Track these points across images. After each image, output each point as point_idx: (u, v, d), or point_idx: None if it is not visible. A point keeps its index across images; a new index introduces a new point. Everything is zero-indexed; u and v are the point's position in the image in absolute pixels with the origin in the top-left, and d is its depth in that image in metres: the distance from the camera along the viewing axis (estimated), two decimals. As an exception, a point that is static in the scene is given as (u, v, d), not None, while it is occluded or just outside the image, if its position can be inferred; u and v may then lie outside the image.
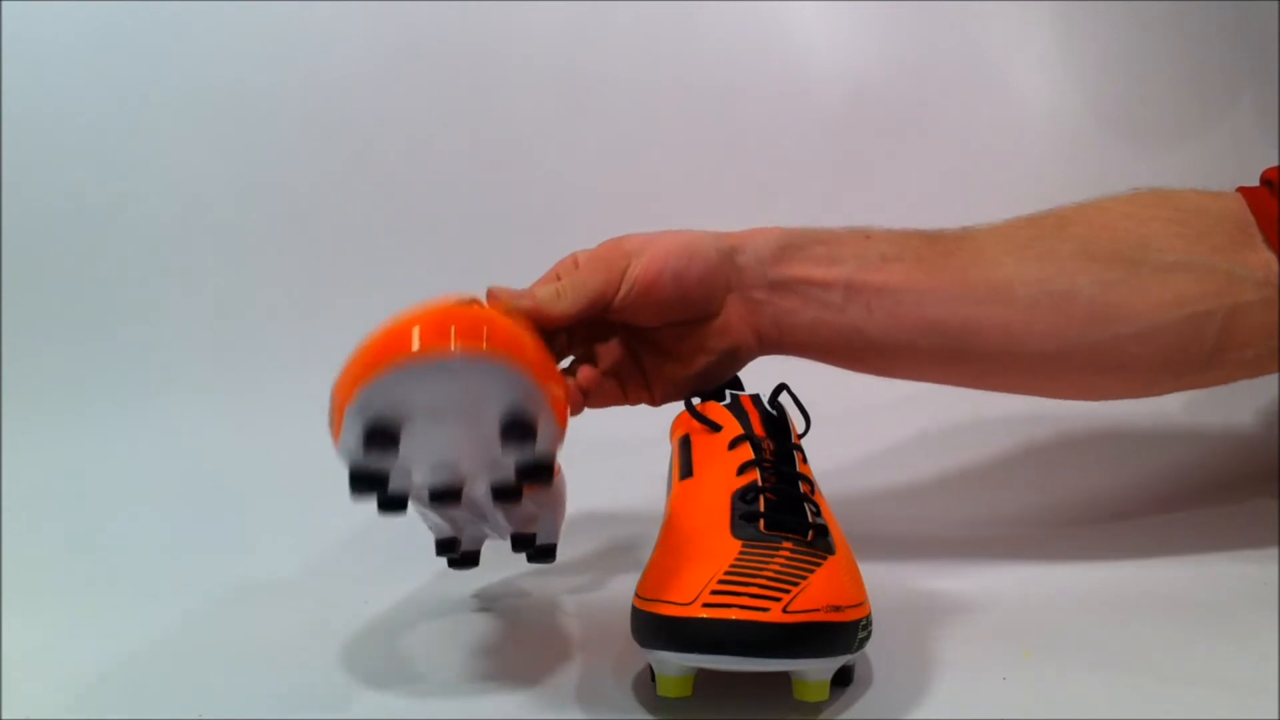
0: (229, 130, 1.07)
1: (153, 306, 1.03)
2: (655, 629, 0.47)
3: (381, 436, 0.42)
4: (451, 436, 0.44)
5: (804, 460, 0.59)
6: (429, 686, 0.51)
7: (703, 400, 0.61)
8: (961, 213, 1.05)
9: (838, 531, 0.55)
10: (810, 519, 0.52)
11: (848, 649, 0.48)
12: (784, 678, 0.48)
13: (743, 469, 0.55)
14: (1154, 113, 1.09)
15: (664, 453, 0.62)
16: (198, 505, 0.87)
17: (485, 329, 0.43)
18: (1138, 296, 0.63)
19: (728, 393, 0.61)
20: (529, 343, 0.45)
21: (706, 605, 0.46)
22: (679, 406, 0.62)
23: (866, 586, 0.52)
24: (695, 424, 0.59)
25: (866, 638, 0.50)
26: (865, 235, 0.63)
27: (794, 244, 0.63)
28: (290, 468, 0.91)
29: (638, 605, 0.49)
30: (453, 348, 0.41)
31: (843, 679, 0.51)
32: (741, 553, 0.49)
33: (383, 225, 1.07)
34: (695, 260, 0.62)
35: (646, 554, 0.53)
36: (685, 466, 0.58)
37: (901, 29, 1.11)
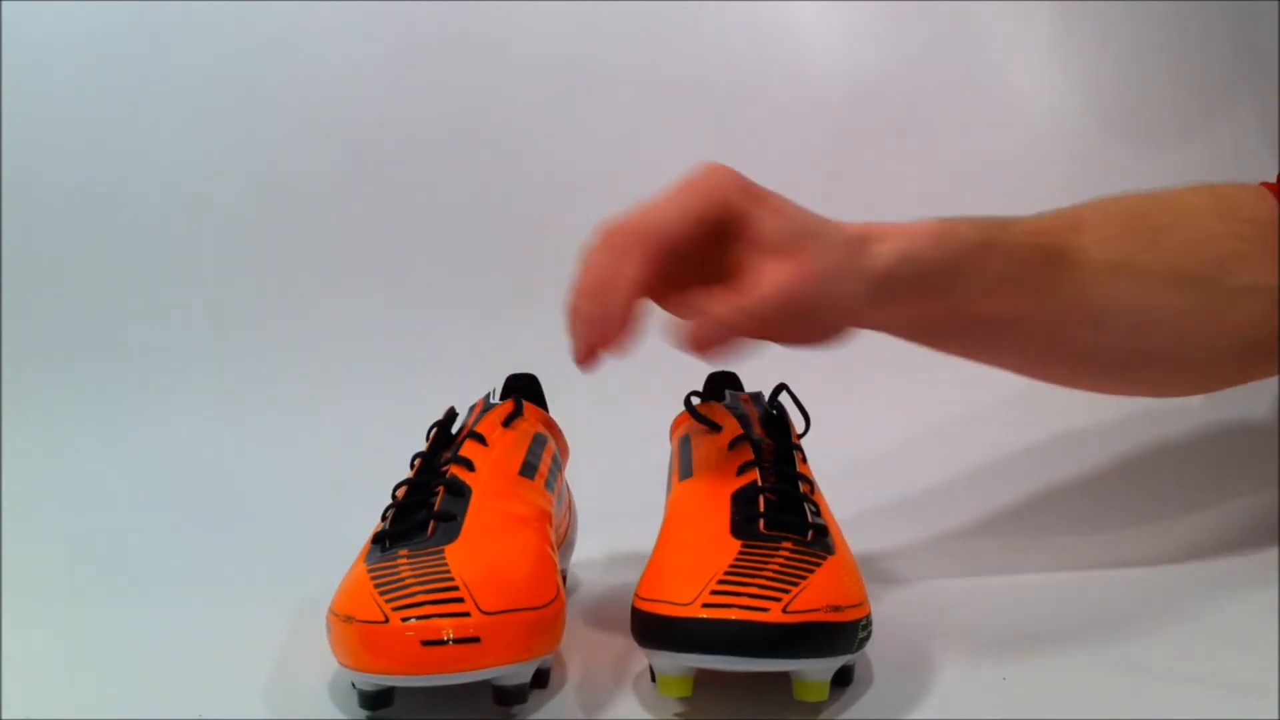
0: (230, 130, 1.07)
1: (153, 307, 1.03)
2: (655, 629, 0.47)
3: (378, 698, 0.48)
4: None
5: (804, 460, 0.59)
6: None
7: (703, 400, 0.61)
8: (961, 214, 1.05)
9: (837, 532, 0.55)
10: (810, 519, 0.52)
11: (848, 649, 0.48)
12: (784, 678, 0.48)
13: (742, 469, 0.55)
14: (1154, 113, 1.09)
15: (664, 452, 0.62)
16: (198, 505, 0.87)
17: (474, 657, 0.46)
18: (1211, 323, 0.64)
19: (727, 392, 0.61)
20: (520, 625, 0.48)
21: (706, 605, 0.46)
22: (679, 406, 0.62)
23: (866, 586, 0.52)
24: (695, 424, 0.59)
25: (866, 638, 0.50)
26: (987, 243, 0.57)
27: (938, 275, 0.56)
28: (291, 468, 0.92)
29: (638, 605, 0.49)
30: (445, 673, 0.46)
31: (843, 679, 0.51)
32: (741, 553, 0.49)
33: (385, 225, 1.07)
34: (830, 307, 0.54)
35: (646, 554, 0.53)
36: (685, 466, 0.58)
37: (901, 29, 1.11)
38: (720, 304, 0.50)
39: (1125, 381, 0.70)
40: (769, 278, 0.50)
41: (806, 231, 0.52)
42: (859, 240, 0.53)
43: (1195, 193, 0.67)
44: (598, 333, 0.51)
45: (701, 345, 0.50)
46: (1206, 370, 0.68)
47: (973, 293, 0.57)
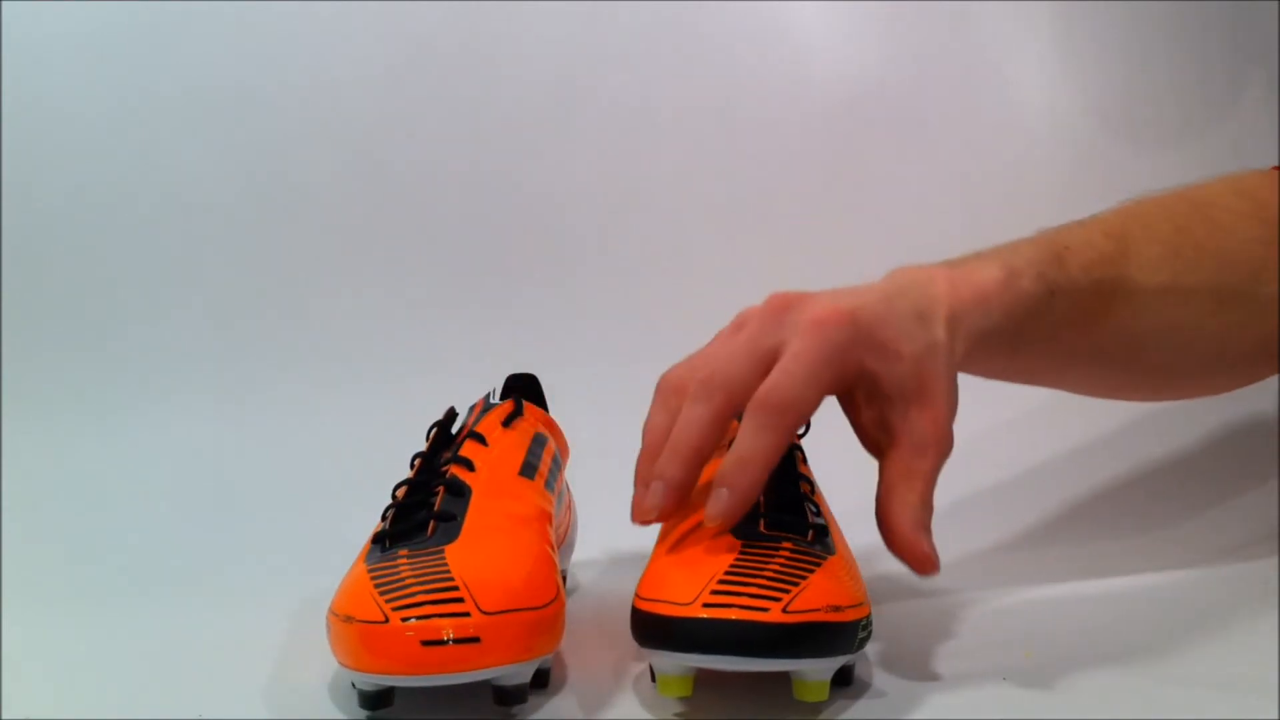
0: (231, 131, 1.07)
1: (153, 308, 1.03)
2: (655, 629, 0.47)
3: (378, 698, 0.48)
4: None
5: (804, 460, 0.59)
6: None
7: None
8: (962, 214, 1.06)
9: (837, 532, 0.55)
10: (810, 519, 0.52)
11: (847, 649, 0.48)
12: (784, 678, 0.48)
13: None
14: (1154, 113, 1.09)
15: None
16: (198, 505, 0.87)
17: (474, 657, 0.46)
18: (1248, 331, 0.64)
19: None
20: (520, 625, 0.47)
21: (706, 605, 0.46)
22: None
23: (867, 587, 0.52)
24: (695, 424, 0.59)
25: (866, 638, 0.50)
26: (1051, 291, 0.56)
27: (1007, 342, 0.56)
28: (291, 468, 0.92)
29: (638, 605, 0.49)
30: (445, 673, 0.46)
31: (843, 679, 0.51)
32: (742, 552, 0.49)
33: (386, 225, 1.07)
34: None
35: (646, 554, 0.53)
36: (685, 466, 0.58)
37: (901, 30, 1.11)
38: (910, 495, 0.51)
39: (1160, 392, 0.70)
40: (926, 432, 0.51)
41: (924, 361, 0.52)
42: (948, 328, 0.53)
43: (1227, 192, 0.66)
44: (681, 499, 0.51)
45: (918, 548, 0.51)
46: (1241, 373, 0.68)
47: (1034, 345, 0.57)
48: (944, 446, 0.52)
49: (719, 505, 0.49)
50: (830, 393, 0.51)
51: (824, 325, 0.50)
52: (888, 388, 0.52)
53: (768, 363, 0.51)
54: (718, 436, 0.52)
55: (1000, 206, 1.05)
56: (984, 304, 0.54)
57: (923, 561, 0.51)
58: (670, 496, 0.51)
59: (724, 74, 1.10)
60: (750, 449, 0.49)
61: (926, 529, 0.51)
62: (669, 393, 0.54)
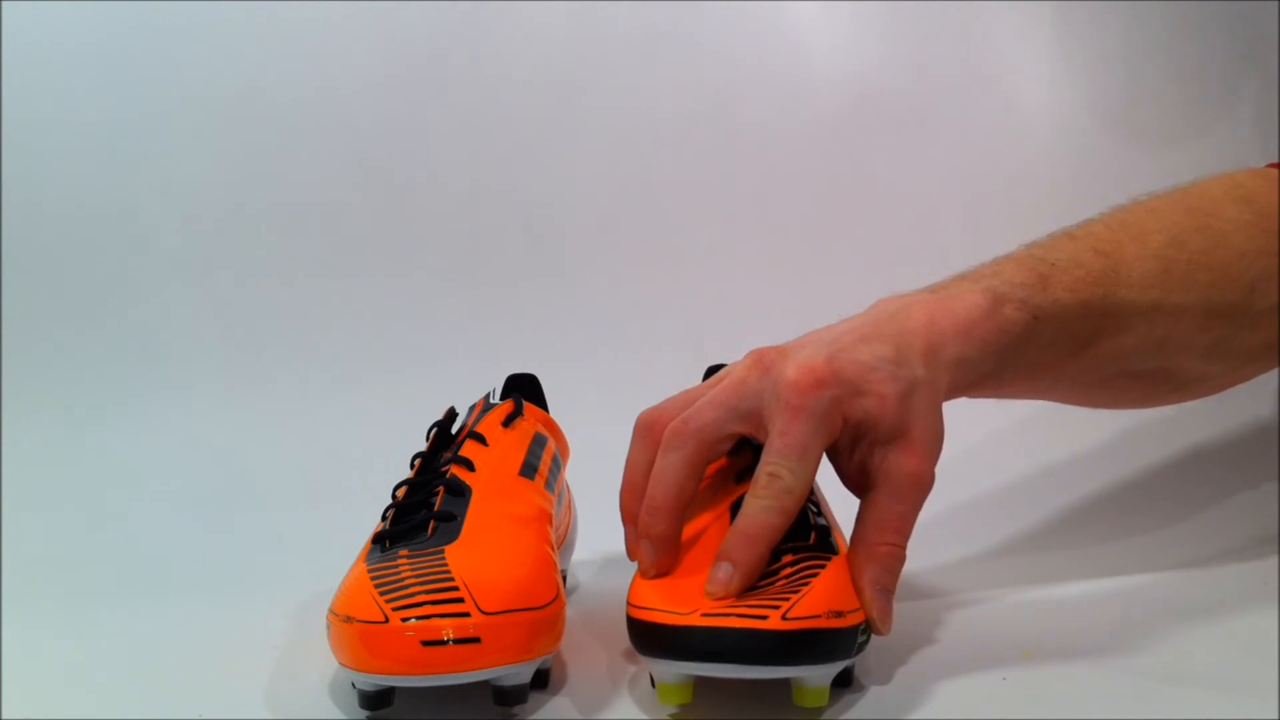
0: (236, 130, 1.07)
1: (155, 309, 1.03)
2: (654, 637, 0.47)
3: (378, 698, 0.48)
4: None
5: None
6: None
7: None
8: (962, 213, 1.06)
9: (838, 533, 0.55)
10: (812, 520, 0.52)
11: (847, 653, 0.48)
12: (784, 682, 0.48)
13: (740, 476, 0.55)
14: (1154, 113, 1.09)
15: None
16: (198, 506, 0.87)
17: (474, 657, 0.46)
18: (1238, 343, 0.63)
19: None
20: (520, 625, 0.47)
21: (705, 615, 0.46)
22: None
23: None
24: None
25: (866, 641, 0.50)
26: (1035, 317, 0.56)
27: (990, 371, 0.56)
28: (290, 468, 0.92)
29: (635, 614, 0.49)
30: (445, 673, 0.46)
31: (843, 680, 0.50)
32: None
33: (387, 225, 1.07)
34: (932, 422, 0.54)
35: (646, 554, 0.53)
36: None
37: (902, 30, 1.11)
38: (878, 549, 0.51)
39: (1144, 402, 0.69)
40: (903, 475, 0.52)
41: (905, 401, 0.52)
42: (927, 364, 0.53)
43: (1226, 199, 0.64)
44: (674, 549, 0.52)
45: (870, 610, 0.50)
46: (1233, 378, 0.67)
47: (1019, 371, 0.57)
48: (922, 487, 0.52)
49: (721, 579, 0.48)
50: (823, 451, 0.52)
51: (804, 395, 0.50)
52: (870, 431, 0.52)
53: (746, 422, 0.52)
54: (694, 483, 0.52)
55: (1000, 206, 1.05)
56: (964, 335, 0.54)
57: (873, 624, 0.51)
58: (663, 552, 0.52)
59: (724, 75, 1.10)
60: (756, 526, 0.49)
61: (887, 591, 0.51)
62: (645, 429, 0.55)
